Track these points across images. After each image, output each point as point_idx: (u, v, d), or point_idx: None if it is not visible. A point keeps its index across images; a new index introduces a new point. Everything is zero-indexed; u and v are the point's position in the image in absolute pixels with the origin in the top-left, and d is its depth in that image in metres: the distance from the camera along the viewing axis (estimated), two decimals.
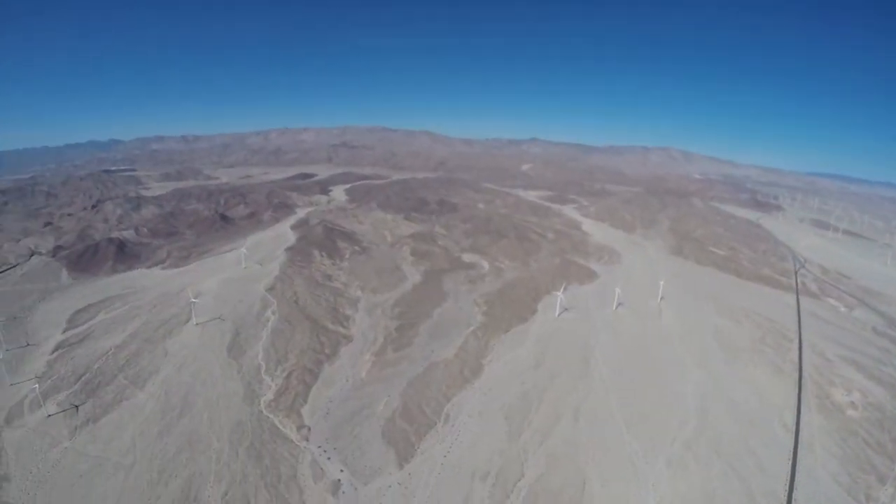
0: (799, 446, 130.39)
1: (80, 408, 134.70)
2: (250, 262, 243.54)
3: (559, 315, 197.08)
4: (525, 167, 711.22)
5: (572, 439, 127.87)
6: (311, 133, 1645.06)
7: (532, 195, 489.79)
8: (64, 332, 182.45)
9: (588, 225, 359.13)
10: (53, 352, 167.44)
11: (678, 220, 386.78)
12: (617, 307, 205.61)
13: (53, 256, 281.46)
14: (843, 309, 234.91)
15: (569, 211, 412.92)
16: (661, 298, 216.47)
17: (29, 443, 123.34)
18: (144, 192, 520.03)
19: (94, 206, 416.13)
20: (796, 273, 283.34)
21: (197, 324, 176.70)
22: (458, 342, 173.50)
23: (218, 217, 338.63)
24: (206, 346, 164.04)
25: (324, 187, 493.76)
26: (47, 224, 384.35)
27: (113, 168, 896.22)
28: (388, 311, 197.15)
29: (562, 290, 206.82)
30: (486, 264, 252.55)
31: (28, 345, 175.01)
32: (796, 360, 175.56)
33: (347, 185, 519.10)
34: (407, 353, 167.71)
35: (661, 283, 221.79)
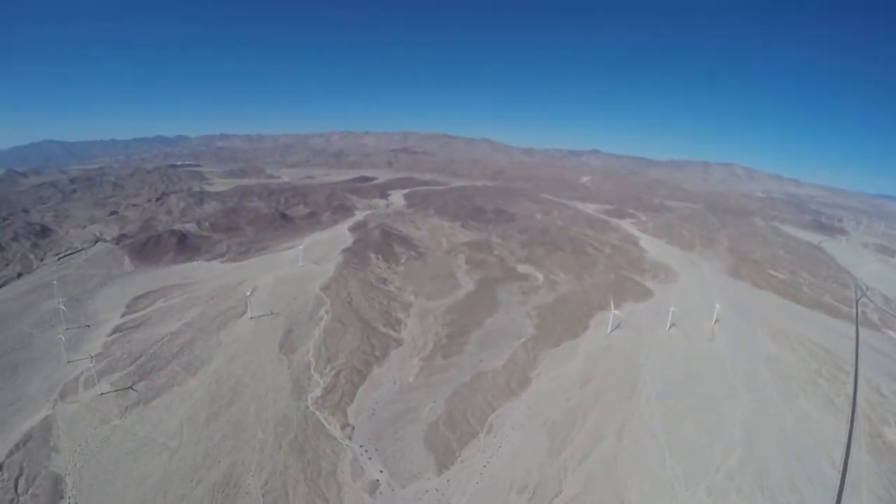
0: (845, 486, 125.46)
1: (132, 389, 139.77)
2: (307, 260, 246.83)
3: (611, 332, 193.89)
4: (584, 179, 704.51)
5: (613, 459, 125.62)
6: (373, 137, 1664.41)
7: (590, 208, 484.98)
8: (122, 316, 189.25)
9: (645, 241, 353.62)
10: (111, 334, 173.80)
11: (737, 239, 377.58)
12: (670, 328, 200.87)
13: (117, 244, 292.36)
14: None
15: (626, 226, 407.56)
16: (715, 321, 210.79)
17: (80, 418, 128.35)
18: (208, 188, 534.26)
19: (158, 199, 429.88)
20: (857, 302, 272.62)
21: (251, 318, 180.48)
22: (508, 353, 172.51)
23: (278, 215, 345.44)
24: (259, 340, 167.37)
25: (383, 191, 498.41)
26: (113, 213, 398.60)
27: (178, 163, 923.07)
28: (439, 317, 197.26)
29: (615, 307, 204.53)
30: (540, 276, 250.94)
31: (87, 326, 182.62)
32: (850, 394, 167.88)
33: (406, 190, 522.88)
34: (456, 360, 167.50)
35: (717, 305, 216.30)
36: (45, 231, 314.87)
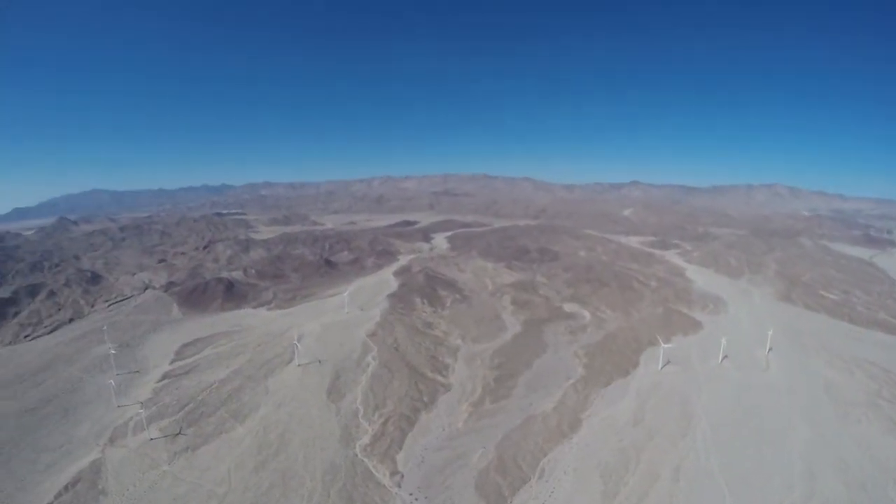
0: None
1: (180, 435, 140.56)
2: (352, 307, 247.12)
3: (662, 368, 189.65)
4: (626, 212, 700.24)
5: (669, 501, 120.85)
6: (413, 181, 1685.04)
7: (634, 241, 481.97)
8: (171, 362, 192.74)
9: (692, 271, 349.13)
10: (160, 380, 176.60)
11: (786, 262, 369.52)
12: (722, 360, 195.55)
13: (166, 291, 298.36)
14: None
15: (671, 257, 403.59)
16: (768, 350, 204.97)
17: (129, 462, 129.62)
18: (253, 235, 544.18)
19: (205, 247, 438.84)
20: None
21: (299, 365, 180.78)
22: (558, 395, 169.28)
23: (323, 262, 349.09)
24: (306, 388, 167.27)
25: (426, 234, 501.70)
26: (161, 261, 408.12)
27: (224, 211, 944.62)
28: (487, 360, 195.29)
29: (664, 342, 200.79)
30: (587, 314, 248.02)
31: (137, 371, 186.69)
32: None
33: (449, 233, 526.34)
34: (504, 404, 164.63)
35: (769, 333, 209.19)
36: (95, 278, 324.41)
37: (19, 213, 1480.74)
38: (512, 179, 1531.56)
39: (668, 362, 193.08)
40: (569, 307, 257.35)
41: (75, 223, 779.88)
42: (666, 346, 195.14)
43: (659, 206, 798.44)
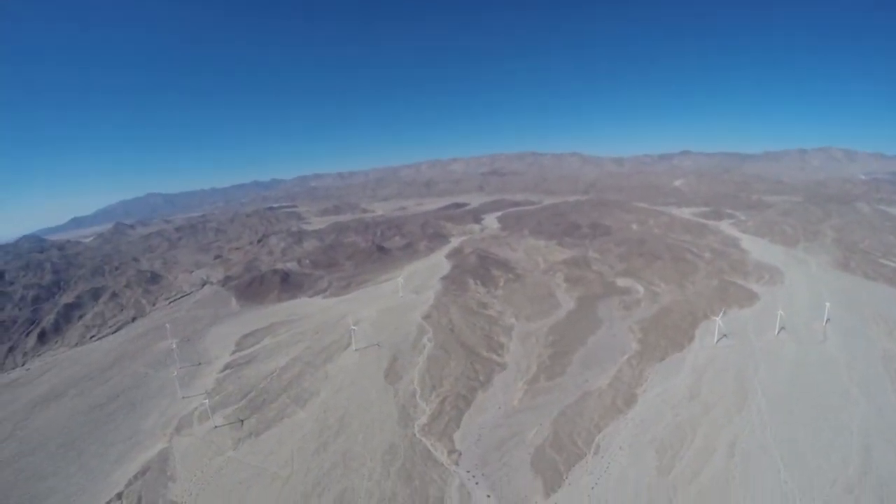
0: None
1: (244, 422, 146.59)
2: (407, 291, 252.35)
3: (717, 342, 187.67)
4: (677, 183, 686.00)
5: (725, 476, 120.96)
6: (461, 163, 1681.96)
7: (686, 212, 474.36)
8: (232, 353, 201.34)
9: (746, 241, 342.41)
10: (222, 371, 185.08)
11: (843, 229, 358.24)
12: (779, 332, 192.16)
13: (223, 286, 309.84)
14: None
15: (725, 227, 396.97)
16: (826, 321, 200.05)
17: (195, 450, 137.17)
18: (305, 227, 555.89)
19: (259, 241, 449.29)
20: None
21: (356, 350, 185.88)
22: (612, 371, 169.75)
23: (375, 248, 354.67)
24: (364, 371, 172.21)
25: (476, 216, 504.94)
26: (217, 257, 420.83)
27: (276, 205, 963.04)
28: (541, 338, 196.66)
29: (720, 314, 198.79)
30: (640, 288, 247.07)
31: (200, 364, 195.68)
32: None
33: (499, 213, 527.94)
34: (560, 381, 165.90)
35: (827, 304, 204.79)
36: (155, 277, 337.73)
37: (77, 223, 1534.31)
38: (559, 155, 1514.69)
39: (724, 336, 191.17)
40: (622, 282, 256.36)
41: (132, 227, 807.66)
42: (719, 320, 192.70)
43: (710, 175, 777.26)
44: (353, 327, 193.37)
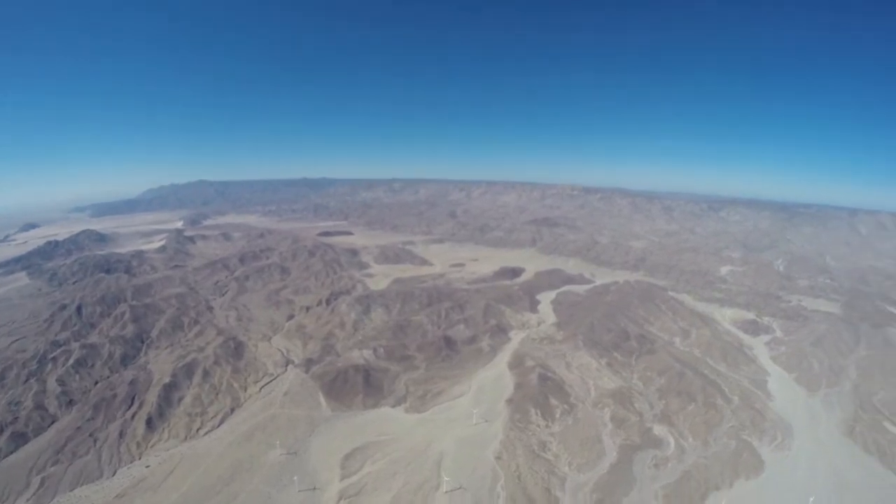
0: None
1: None
2: (478, 416, 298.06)
3: None
4: (724, 271, 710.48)
5: None
6: (512, 195, 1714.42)
7: (727, 316, 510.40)
8: (341, 479, 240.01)
9: (774, 378, 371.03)
10: (338, 501, 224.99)
11: (865, 371, 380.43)
12: None
13: (306, 372, 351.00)
14: None
15: (760, 348, 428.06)
16: None
17: None
18: (367, 280, 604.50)
19: (328, 301, 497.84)
20: None
21: (445, 492, 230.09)
22: None
23: (443, 341, 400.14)
24: None
25: (532, 296, 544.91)
26: (290, 317, 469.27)
27: (331, 230, 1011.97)
28: (587, 495, 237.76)
29: (728, 486, 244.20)
30: (671, 441, 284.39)
31: (315, 489, 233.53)
32: None
33: (553, 294, 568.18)
34: None
35: (812, 500, 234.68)
36: (238, 348, 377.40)
37: (130, 206, 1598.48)
38: (608, 195, 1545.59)
39: None
40: (658, 430, 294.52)
41: (192, 241, 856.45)
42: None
43: (756, 258, 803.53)
44: (446, 479, 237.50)
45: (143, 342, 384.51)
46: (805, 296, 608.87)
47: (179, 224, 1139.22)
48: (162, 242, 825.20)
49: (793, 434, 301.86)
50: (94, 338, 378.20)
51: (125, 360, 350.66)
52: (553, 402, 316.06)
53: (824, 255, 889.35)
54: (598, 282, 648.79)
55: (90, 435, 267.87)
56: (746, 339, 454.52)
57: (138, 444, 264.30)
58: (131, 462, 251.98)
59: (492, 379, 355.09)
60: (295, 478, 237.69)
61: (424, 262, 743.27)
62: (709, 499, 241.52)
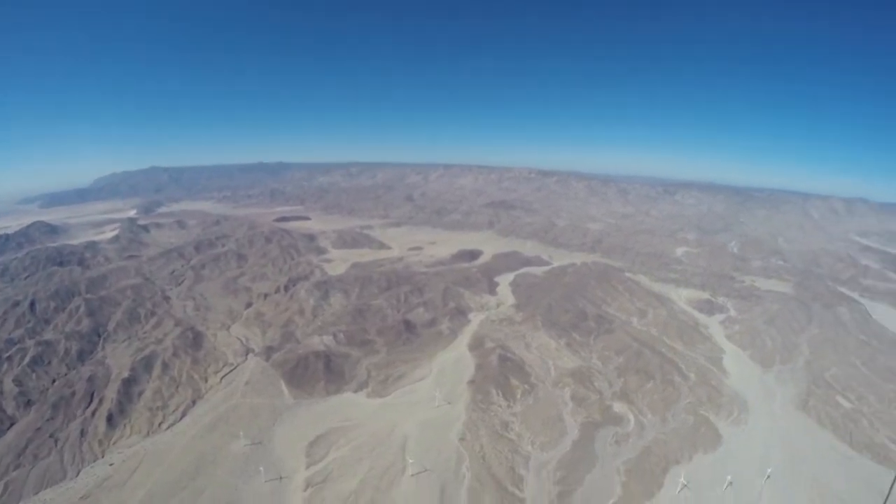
0: None
1: None
2: (440, 399, 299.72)
3: (679, 492, 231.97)
4: (679, 252, 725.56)
5: None
6: (469, 178, 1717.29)
7: (683, 296, 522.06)
8: (307, 467, 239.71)
9: (729, 355, 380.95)
10: (305, 489, 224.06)
11: (817, 348, 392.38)
12: (726, 487, 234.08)
13: (267, 360, 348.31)
14: None
15: (715, 327, 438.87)
16: (766, 478, 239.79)
17: None
18: (326, 266, 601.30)
19: (286, 287, 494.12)
20: None
21: (412, 475, 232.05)
22: None
23: (402, 324, 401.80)
24: (423, 501, 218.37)
25: (490, 278, 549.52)
26: (248, 305, 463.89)
27: (288, 214, 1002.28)
28: (551, 473, 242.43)
29: (686, 460, 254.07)
30: (632, 418, 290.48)
31: (281, 478, 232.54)
32: None
33: (511, 276, 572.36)
34: None
35: (768, 470, 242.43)
36: (197, 338, 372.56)
37: (80, 195, 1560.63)
38: (564, 178, 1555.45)
39: (685, 486, 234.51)
40: (618, 408, 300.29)
41: (146, 229, 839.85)
42: (682, 476, 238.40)
43: (711, 240, 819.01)
44: (411, 462, 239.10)
45: (99, 336, 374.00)
46: (758, 276, 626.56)
47: (132, 213, 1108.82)
48: (115, 232, 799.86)
49: (749, 409, 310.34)
50: (49, 334, 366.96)
51: (82, 356, 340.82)
52: (514, 382, 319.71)
53: (777, 237, 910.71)
54: (556, 264, 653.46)
55: (51, 435, 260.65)
56: (702, 318, 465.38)
57: (100, 442, 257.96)
58: (94, 461, 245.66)
59: (452, 361, 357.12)
60: (261, 468, 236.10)
61: (382, 245, 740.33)
62: (669, 473, 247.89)
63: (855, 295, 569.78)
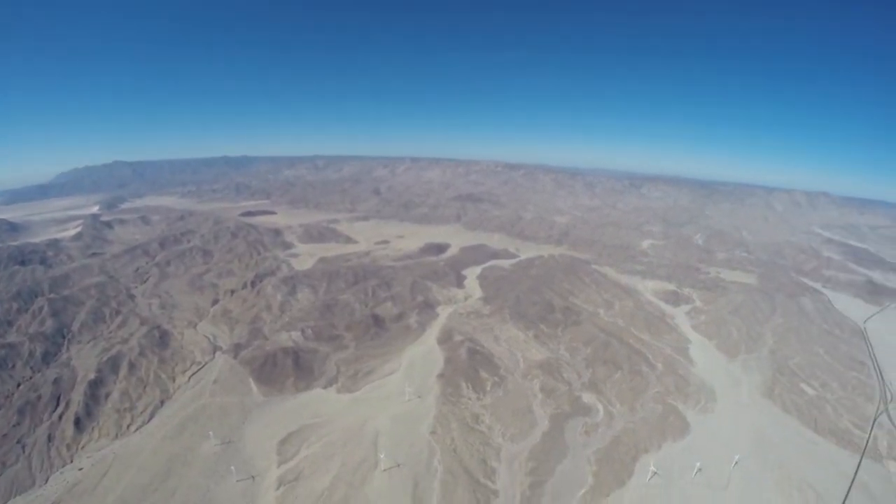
0: None
1: None
2: (411, 393, 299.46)
3: (649, 479, 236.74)
4: (645, 245, 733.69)
5: None
6: (437, 171, 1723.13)
7: (649, 287, 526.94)
8: (278, 465, 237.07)
9: (695, 345, 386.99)
10: (277, 488, 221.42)
11: (781, 337, 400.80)
12: (696, 474, 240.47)
13: (235, 357, 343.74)
14: None
15: (681, 318, 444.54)
16: (734, 464, 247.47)
17: None
18: (293, 261, 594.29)
19: (253, 283, 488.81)
20: (873, 423, 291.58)
21: (384, 470, 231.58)
22: None
23: (371, 319, 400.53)
24: (396, 496, 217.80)
25: (457, 271, 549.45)
26: (215, 302, 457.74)
27: (253, 209, 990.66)
28: (522, 464, 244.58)
29: (656, 448, 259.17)
30: (601, 408, 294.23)
31: (253, 477, 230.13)
32: None
33: (479, 269, 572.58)
34: None
35: (736, 457, 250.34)
36: (164, 337, 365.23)
37: (41, 192, 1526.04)
38: (531, 172, 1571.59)
39: (655, 473, 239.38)
40: (587, 398, 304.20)
41: (110, 226, 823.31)
42: (652, 463, 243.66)
43: (676, 232, 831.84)
44: (383, 457, 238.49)
45: (64, 337, 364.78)
46: (723, 268, 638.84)
47: (95, 209, 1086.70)
48: (78, 229, 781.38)
49: (715, 397, 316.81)
50: (12, 336, 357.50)
51: (47, 358, 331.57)
52: (483, 374, 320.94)
53: (742, 229, 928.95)
54: (523, 256, 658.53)
55: (18, 441, 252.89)
56: (668, 309, 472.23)
57: (68, 447, 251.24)
58: (63, 466, 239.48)
59: (422, 355, 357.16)
60: (232, 468, 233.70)
61: (349, 240, 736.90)
62: (639, 461, 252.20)
63: (818, 286, 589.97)
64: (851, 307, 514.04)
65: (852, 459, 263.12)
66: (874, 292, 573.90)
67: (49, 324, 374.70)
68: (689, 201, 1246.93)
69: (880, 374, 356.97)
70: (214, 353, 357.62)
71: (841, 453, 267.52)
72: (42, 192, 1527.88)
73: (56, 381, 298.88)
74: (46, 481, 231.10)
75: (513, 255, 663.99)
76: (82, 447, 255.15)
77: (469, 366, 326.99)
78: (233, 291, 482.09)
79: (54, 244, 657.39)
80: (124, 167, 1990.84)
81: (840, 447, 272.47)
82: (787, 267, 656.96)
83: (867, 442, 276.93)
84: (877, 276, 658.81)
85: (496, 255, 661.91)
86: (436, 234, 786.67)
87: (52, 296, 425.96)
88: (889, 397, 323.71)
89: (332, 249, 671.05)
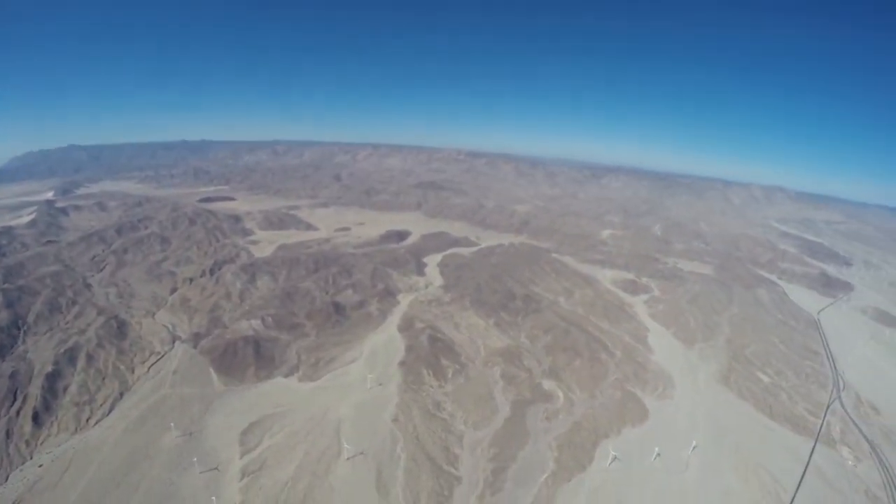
0: None
1: None
2: (372, 381, 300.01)
3: (610, 464, 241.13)
4: (604, 234, 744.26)
5: None
6: (398, 158, 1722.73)
7: (609, 276, 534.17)
8: (241, 456, 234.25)
9: (653, 333, 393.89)
10: (241, 479, 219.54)
11: (738, 325, 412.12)
12: (655, 458, 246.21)
13: (195, 347, 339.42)
14: (850, 462, 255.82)
15: (639, 307, 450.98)
16: (692, 448, 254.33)
17: None
18: (252, 248, 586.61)
19: (211, 271, 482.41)
20: (827, 409, 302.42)
21: (348, 458, 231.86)
22: (534, 490, 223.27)
23: (331, 307, 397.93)
24: (361, 484, 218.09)
25: (418, 259, 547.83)
26: (173, 290, 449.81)
27: (213, 195, 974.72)
28: (485, 450, 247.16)
29: (615, 434, 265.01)
30: (561, 395, 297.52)
31: (216, 469, 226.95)
32: None
33: (440, 257, 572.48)
34: (498, 498, 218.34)
35: (694, 443, 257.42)
36: (121, 327, 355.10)
37: None
38: (493, 160, 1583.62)
39: (616, 458, 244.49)
40: (547, 385, 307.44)
41: (65, 212, 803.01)
42: (612, 448, 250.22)
43: (636, 222, 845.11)
44: (347, 445, 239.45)
45: (19, 329, 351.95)
46: (681, 258, 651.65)
47: (50, 194, 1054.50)
48: (32, 216, 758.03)
49: (673, 384, 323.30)
50: None
51: (2, 351, 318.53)
52: (444, 362, 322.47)
53: (700, 221, 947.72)
54: (484, 244, 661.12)
55: None
56: (627, 297, 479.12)
57: (27, 443, 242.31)
58: (22, 463, 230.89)
59: (383, 343, 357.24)
60: (195, 459, 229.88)
61: (310, 226, 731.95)
62: (599, 446, 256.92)
63: (773, 277, 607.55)
64: (806, 299, 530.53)
65: (806, 445, 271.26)
66: (828, 285, 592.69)
67: (3, 315, 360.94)
68: (648, 193, 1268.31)
69: (833, 363, 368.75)
70: (174, 342, 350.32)
71: (795, 439, 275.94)
72: None
73: (12, 375, 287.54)
74: (6, 480, 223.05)
75: (474, 244, 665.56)
76: (41, 443, 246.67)
77: (430, 353, 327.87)
78: (191, 279, 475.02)
79: (7, 232, 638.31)
80: (80, 151, 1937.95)
81: (795, 433, 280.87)
82: (744, 259, 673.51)
83: (820, 428, 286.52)
84: (831, 269, 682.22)
85: (457, 242, 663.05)
86: (397, 221, 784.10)
87: (6, 286, 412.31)
88: (842, 385, 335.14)
89: (292, 236, 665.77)
